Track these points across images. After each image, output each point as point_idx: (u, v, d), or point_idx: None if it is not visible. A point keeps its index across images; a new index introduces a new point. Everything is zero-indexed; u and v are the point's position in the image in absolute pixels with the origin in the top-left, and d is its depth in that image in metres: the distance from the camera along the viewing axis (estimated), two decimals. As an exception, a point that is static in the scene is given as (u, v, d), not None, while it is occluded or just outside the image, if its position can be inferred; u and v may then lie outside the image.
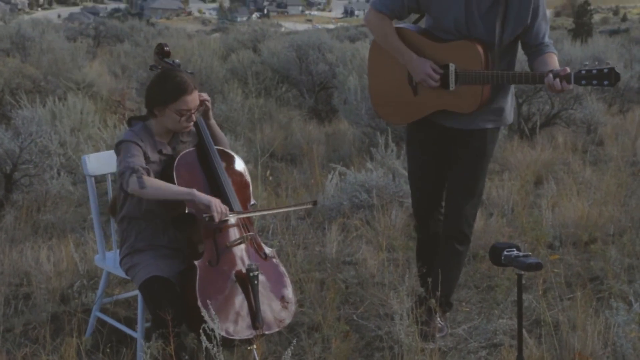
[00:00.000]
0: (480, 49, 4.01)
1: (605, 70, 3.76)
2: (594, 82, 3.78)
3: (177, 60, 4.30)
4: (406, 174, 6.89)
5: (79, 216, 6.62)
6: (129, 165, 3.76)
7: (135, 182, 3.71)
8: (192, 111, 3.96)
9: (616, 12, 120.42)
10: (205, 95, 4.11)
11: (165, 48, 4.28)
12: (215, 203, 3.75)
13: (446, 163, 4.37)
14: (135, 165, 3.77)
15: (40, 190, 6.81)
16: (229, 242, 3.91)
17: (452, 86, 4.08)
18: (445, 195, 4.44)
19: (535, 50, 4.16)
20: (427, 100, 4.20)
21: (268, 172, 7.48)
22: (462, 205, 4.32)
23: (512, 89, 4.37)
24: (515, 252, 3.24)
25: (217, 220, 3.74)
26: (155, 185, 3.76)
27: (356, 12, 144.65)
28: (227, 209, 3.82)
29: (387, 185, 6.71)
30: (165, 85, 3.96)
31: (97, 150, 6.95)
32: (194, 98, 3.96)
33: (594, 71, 3.78)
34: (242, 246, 3.96)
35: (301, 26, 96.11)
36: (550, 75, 3.84)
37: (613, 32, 35.71)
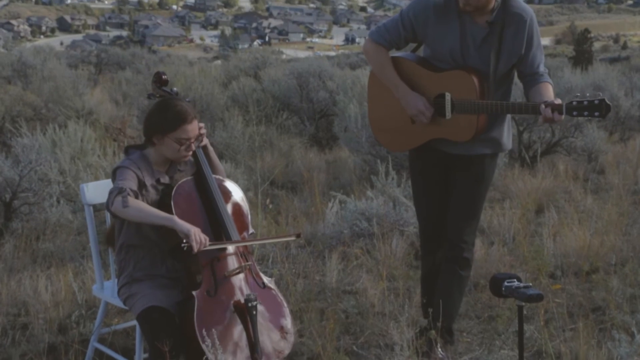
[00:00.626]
0: (475, 78, 4.05)
1: (596, 102, 3.80)
2: (585, 113, 3.83)
3: (175, 89, 4.29)
4: (407, 202, 6.91)
5: (79, 244, 6.61)
6: (117, 186, 3.76)
7: (119, 202, 3.69)
8: (192, 140, 3.95)
9: (616, 39, 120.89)
10: (201, 127, 4.10)
11: (163, 76, 4.27)
12: (195, 232, 3.70)
13: (448, 189, 4.37)
14: (124, 186, 3.75)
15: (40, 219, 6.79)
16: (227, 272, 3.87)
17: (448, 115, 4.13)
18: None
19: (530, 79, 4.20)
20: (424, 128, 4.24)
21: (268, 200, 7.46)
22: (463, 229, 4.34)
23: (508, 117, 4.38)
24: (515, 283, 3.21)
25: (195, 250, 3.69)
26: (138, 207, 3.72)
27: (357, 40, 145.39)
28: (207, 238, 3.76)
29: (387, 214, 6.68)
30: (165, 114, 3.94)
31: (97, 178, 6.94)
32: (193, 127, 3.95)
33: (585, 102, 3.83)
34: (241, 276, 3.92)
35: (302, 53, 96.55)
36: (542, 106, 3.88)
37: (613, 60, 35.88)
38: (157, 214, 3.75)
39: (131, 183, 3.81)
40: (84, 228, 6.69)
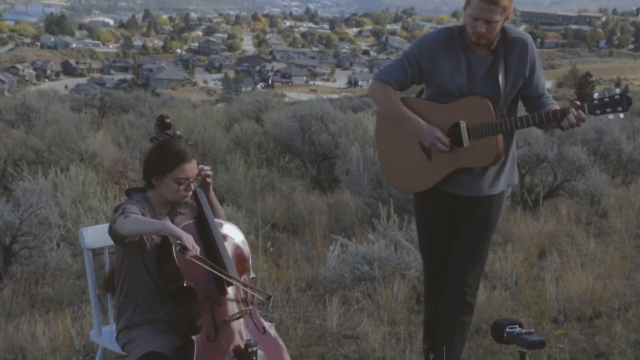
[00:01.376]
0: (488, 101, 4.07)
1: (617, 97, 3.87)
2: (608, 109, 3.90)
3: (177, 132, 4.29)
4: (408, 245, 6.88)
5: (78, 289, 6.57)
6: (120, 209, 3.78)
7: (121, 217, 3.70)
8: (191, 180, 3.95)
9: (618, 83, 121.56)
10: (207, 169, 4.10)
11: (166, 120, 4.26)
12: (188, 236, 3.67)
13: (454, 233, 4.35)
14: (127, 207, 3.77)
15: (39, 263, 6.76)
16: (227, 317, 3.84)
17: (465, 143, 4.10)
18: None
19: (538, 103, 4.22)
20: (442, 162, 4.19)
21: (269, 244, 7.44)
22: (467, 273, 4.31)
23: (513, 149, 4.36)
24: (517, 329, 3.18)
25: (189, 253, 3.62)
26: (136, 217, 3.72)
27: (360, 83, 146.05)
28: (199, 249, 3.73)
29: (389, 257, 6.65)
30: (163, 154, 3.95)
31: (97, 222, 6.91)
32: (192, 167, 3.95)
33: (606, 99, 3.92)
34: (241, 320, 3.89)
35: (305, 96, 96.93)
36: (573, 109, 3.94)
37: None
38: (151, 221, 3.76)
39: (136, 210, 3.80)
40: (84, 272, 6.65)
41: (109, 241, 4.24)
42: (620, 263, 6.86)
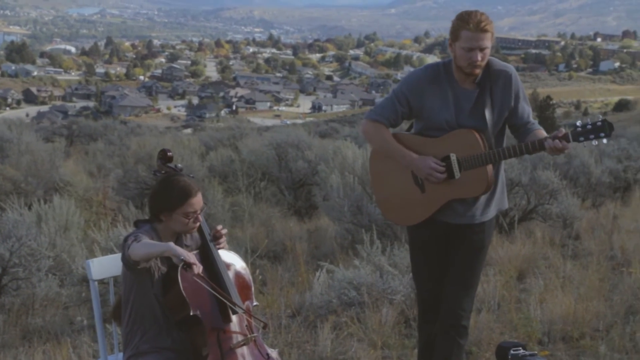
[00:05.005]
0: (476, 133, 4.21)
1: (599, 124, 3.98)
2: (591, 136, 4.00)
3: (179, 165, 4.38)
4: (392, 270, 7.00)
5: (66, 319, 6.59)
6: (133, 236, 3.87)
7: (133, 242, 3.80)
8: (198, 212, 4.06)
9: (577, 106, 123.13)
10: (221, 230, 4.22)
11: (169, 153, 4.36)
12: (190, 255, 3.76)
13: (448, 260, 4.48)
14: (139, 235, 3.87)
15: (28, 293, 6.78)
16: (233, 344, 3.93)
17: (457, 174, 4.23)
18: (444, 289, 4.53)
19: (524, 130, 4.36)
20: (435, 194, 4.32)
21: (257, 271, 7.51)
22: (462, 298, 4.43)
23: (502, 174, 4.50)
24: (521, 351, 3.32)
25: (194, 269, 3.70)
26: (145, 241, 3.82)
27: (324, 107, 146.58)
28: (201, 267, 3.83)
29: (375, 282, 6.76)
30: (170, 191, 4.04)
31: (92, 252, 6.96)
32: (198, 200, 4.06)
33: (589, 126, 4.00)
34: (246, 348, 3.98)
35: (270, 121, 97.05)
36: (549, 140, 4.05)
37: (577, 126, 36.43)
38: (155, 243, 3.84)
39: (146, 238, 3.90)
40: (71, 302, 6.71)
41: (115, 272, 4.33)
42: (599, 284, 7.04)
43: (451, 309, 4.44)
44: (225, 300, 3.95)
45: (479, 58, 4.15)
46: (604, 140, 4.04)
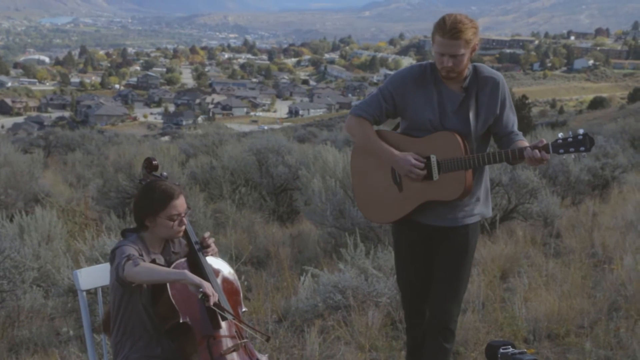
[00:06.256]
0: (458, 137, 4.22)
1: (580, 137, 4.00)
2: (571, 149, 4.02)
3: (164, 173, 4.40)
4: (376, 273, 7.04)
5: (52, 330, 6.57)
6: (123, 255, 3.85)
7: (130, 265, 3.78)
8: (183, 215, 4.07)
9: (553, 105, 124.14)
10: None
11: (154, 162, 4.38)
12: (207, 284, 3.80)
13: (432, 262, 4.50)
14: (130, 253, 3.86)
15: (13, 306, 6.75)
16: (223, 351, 3.95)
17: (435, 176, 4.24)
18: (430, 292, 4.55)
19: (507, 140, 4.37)
20: (413, 194, 4.34)
21: (242, 277, 7.52)
22: (448, 301, 4.44)
23: (486, 181, 4.52)
24: (511, 350, 3.35)
25: (211, 300, 3.75)
26: (148, 266, 3.83)
27: (300, 112, 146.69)
28: (217, 296, 3.85)
29: (360, 285, 6.79)
30: (152, 195, 4.07)
31: (78, 262, 6.94)
32: (181, 202, 4.09)
33: (570, 139, 4.02)
34: (236, 354, 4.00)
35: (247, 127, 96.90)
36: (529, 149, 4.07)
37: (552, 125, 36.78)
38: (169, 271, 3.87)
39: (135, 252, 3.90)
40: (57, 313, 6.68)
41: (102, 282, 4.32)
42: (582, 282, 7.11)
43: (437, 314, 4.46)
44: (234, 320, 3.99)
45: (450, 64, 4.17)
46: (584, 155, 4.05)
